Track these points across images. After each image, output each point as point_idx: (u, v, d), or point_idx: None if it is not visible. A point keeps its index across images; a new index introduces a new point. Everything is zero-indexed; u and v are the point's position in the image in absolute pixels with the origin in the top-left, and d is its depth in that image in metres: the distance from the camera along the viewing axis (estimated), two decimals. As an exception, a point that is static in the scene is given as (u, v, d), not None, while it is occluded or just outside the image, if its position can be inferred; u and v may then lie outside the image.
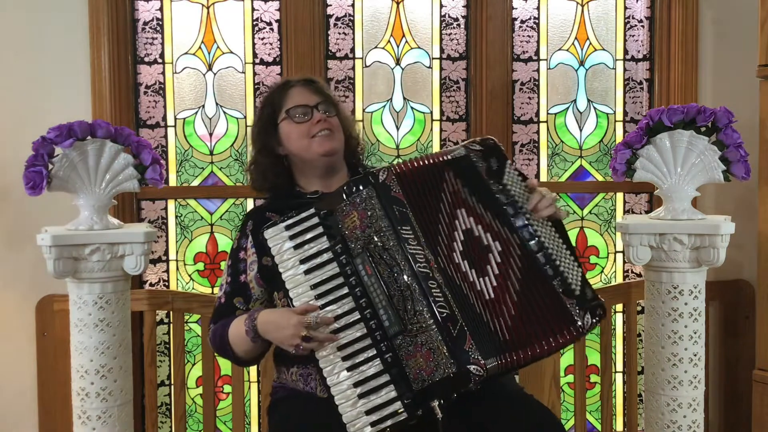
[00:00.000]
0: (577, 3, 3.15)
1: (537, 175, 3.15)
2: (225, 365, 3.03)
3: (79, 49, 2.93)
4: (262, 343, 2.00)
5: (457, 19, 3.12)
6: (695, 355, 2.58)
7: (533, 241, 1.90)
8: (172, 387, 3.06)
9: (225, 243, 3.10)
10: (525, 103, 3.15)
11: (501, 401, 1.95)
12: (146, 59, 3.04)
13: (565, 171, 3.19)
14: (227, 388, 3.06)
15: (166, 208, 3.08)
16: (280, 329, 1.89)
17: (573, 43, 3.16)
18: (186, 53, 3.06)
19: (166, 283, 3.10)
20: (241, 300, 2.11)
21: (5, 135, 2.90)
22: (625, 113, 3.20)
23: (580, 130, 3.19)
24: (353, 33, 3.09)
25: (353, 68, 3.10)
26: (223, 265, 2.20)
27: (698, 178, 2.56)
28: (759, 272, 2.83)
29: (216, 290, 3.02)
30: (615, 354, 3.17)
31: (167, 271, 3.10)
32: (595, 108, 3.19)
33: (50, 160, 2.46)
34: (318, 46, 3.04)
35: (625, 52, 3.18)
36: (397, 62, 3.12)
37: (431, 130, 3.14)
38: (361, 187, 1.93)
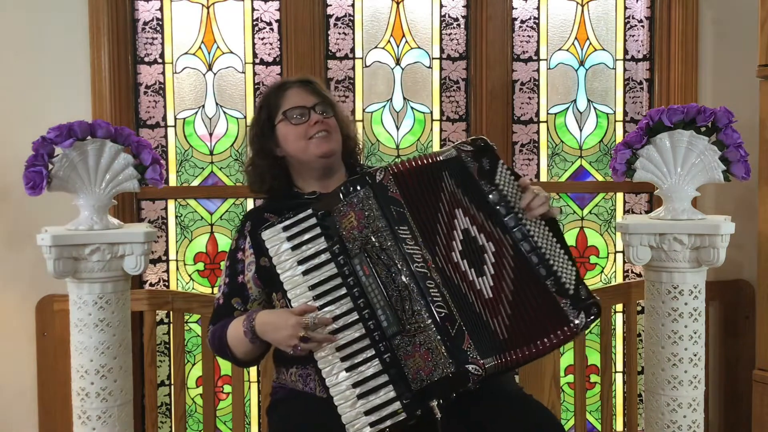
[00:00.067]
0: (577, 3, 3.15)
1: (537, 175, 3.15)
2: (225, 365, 3.03)
3: (79, 49, 2.93)
4: (260, 345, 2.00)
5: (457, 19, 3.12)
6: (695, 355, 2.58)
7: (525, 241, 1.91)
8: (172, 387, 3.06)
9: (225, 243, 3.10)
10: (525, 103, 3.15)
11: (500, 401, 1.95)
12: (146, 59, 3.04)
13: (565, 171, 3.19)
14: (227, 388, 3.07)
15: (166, 208, 3.08)
16: (277, 330, 1.89)
17: (573, 43, 3.16)
18: (186, 53, 3.06)
19: (166, 283, 3.10)
20: (239, 301, 2.11)
21: (5, 135, 2.91)
22: (625, 113, 3.20)
23: (580, 130, 3.19)
24: (353, 33, 3.09)
25: (353, 68, 3.10)
26: (223, 265, 2.19)
27: (698, 178, 2.56)
28: (759, 272, 2.83)
29: (216, 290, 3.02)
30: (615, 354, 3.17)
31: (167, 271, 3.10)
32: (595, 108, 3.19)
33: (50, 160, 2.46)
34: (318, 46, 3.04)
35: (625, 52, 3.18)
36: (397, 62, 3.12)
37: (431, 130, 3.14)
38: (358, 188, 1.93)
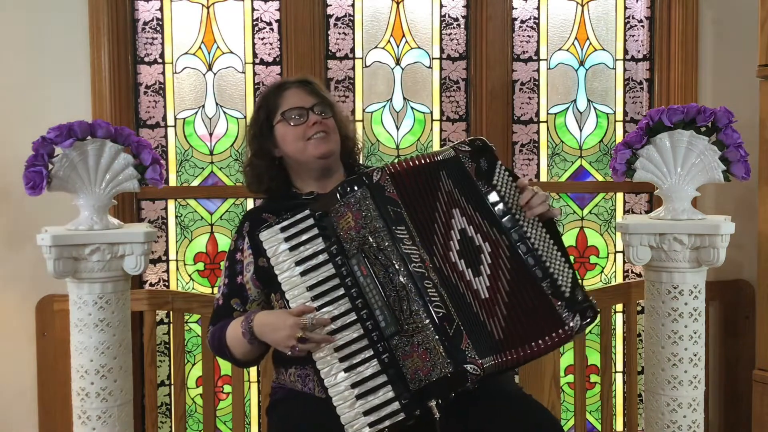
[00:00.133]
0: (577, 3, 3.15)
1: (537, 175, 3.15)
2: (225, 365, 3.03)
3: (79, 49, 2.93)
4: (259, 345, 2.00)
5: (457, 19, 3.12)
6: (695, 355, 2.58)
7: (522, 243, 1.91)
8: (172, 387, 3.06)
9: (225, 243, 3.10)
10: (525, 103, 3.15)
11: (499, 401, 1.95)
12: (146, 59, 3.04)
13: (565, 171, 3.19)
14: (227, 388, 3.07)
15: (166, 208, 3.08)
16: (276, 331, 1.89)
17: (573, 43, 3.16)
18: (186, 53, 3.06)
19: (166, 283, 3.10)
20: (238, 301, 2.11)
21: (5, 135, 2.91)
22: (625, 113, 3.19)
23: (580, 130, 3.19)
24: (353, 33, 3.09)
25: (353, 68, 3.10)
26: (223, 265, 2.20)
27: (698, 178, 2.56)
28: (759, 272, 2.83)
29: (215, 291, 3.02)
30: (615, 354, 3.16)
31: (167, 271, 3.10)
32: (595, 108, 3.19)
33: (50, 160, 2.46)
34: (318, 46, 3.04)
35: (625, 52, 3.17)
36: (397, 62, 3.12)
37: (431, 130, 3.14)
38: (355, 188, 1.92)
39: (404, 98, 3.13)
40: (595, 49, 3.17)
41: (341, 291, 1.88)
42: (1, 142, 2.91)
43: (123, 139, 2.54)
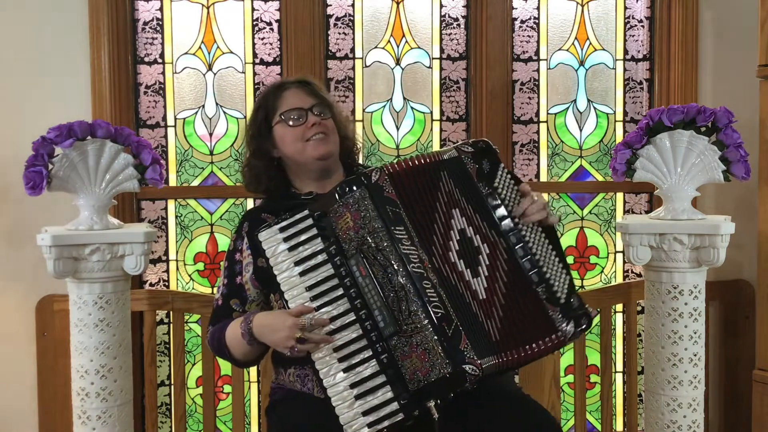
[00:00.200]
0: (577, 3, 3.15)
1: (537, 175, 3.15)
2: (225, 365, 3.03)
3: (79, 49, 2.93)
4: (258, 346, 2.00)
5: (457, 19, 3.12)
6: (695, 355, 2.58)
7: (519, 246, 1.90)
8: (172, 387, 3.06)
9: (225, 243, 3.10)
10: (525, 103, 3.15)
11: (498, 402, 1.95)
12: (146, 59, 3.04)
13: (565, 171, 3.19)
14: (227, 388, 3.07)
15: (166, 208, 3.08)
16: (274, 332, 1.88)
17: (573, 43, 3.16)
18: (186, 53, 3.06)
19: (166, 283, 3.10)
20: (237, 302, 2.11)
21: (5, 135, 2.91)
22: (625, 113, 3.19)
23: (580, 130, 3.18)
24: (353, 33, 3.09)
25: (353, 68, 3.10)
26: (222, 265, 2.20)
27: (698, 178, 2.56)
28: (759, 272, 2.83)
29: (215, 291, 3.01)
30: (615, 354, 3.16)
31: (167, 271, 3.10)
32: (595, 108, 3.19)
33: (50, 160, 2.46)
34: (318, 46, 3.04)
35: (625, 52, 3.17)
36: (397, 62, 3.12)
37: (431, 130, 3.14)
38: (354, 188, 1.92)
39: (404, 98, 3.13)
40: (595, 49, 3.17)
41: (340, 291, 1.88)
42: (1, 142, 2.91)
43: (123, 139, 2.54)
